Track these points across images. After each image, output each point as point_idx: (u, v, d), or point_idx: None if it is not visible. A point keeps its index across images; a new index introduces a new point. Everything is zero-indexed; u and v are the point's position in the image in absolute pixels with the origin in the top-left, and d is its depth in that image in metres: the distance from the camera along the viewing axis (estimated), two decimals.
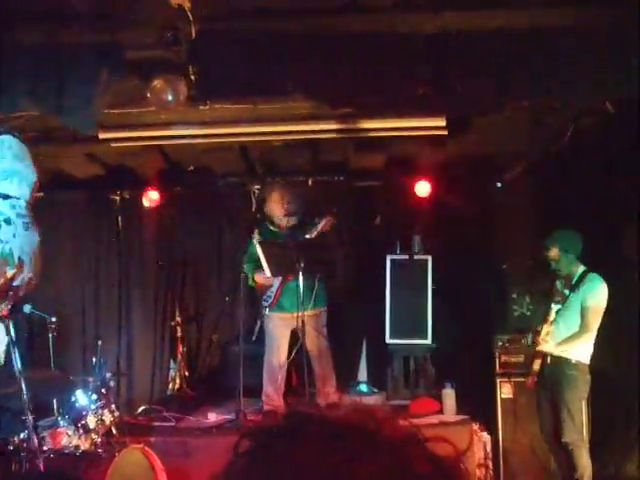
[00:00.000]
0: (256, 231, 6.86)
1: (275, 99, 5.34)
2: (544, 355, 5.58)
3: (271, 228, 6.80)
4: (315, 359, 6.73)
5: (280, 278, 6.70)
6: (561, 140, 6.17)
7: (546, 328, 5.50)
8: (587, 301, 5.51)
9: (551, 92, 4.91)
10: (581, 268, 5.64)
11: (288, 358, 6.86)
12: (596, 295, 5.51)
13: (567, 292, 5.63)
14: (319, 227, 6.55)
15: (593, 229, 5.97)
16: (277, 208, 6.79)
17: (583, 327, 5.52)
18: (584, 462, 5.40)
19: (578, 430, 5.43)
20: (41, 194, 7.97)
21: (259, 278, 6.79)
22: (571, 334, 5.56)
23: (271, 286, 6.77)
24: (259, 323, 7.04)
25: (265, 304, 6.82)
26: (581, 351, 5.52)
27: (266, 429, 0.90)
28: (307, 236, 6.55)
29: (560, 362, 5.54)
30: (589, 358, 5.52)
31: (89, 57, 4.64)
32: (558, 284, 5.75)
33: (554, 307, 5.47)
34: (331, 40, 4.62)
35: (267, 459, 0.85)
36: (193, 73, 4.77)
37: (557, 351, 5.56)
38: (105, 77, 4.61)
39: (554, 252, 5.66)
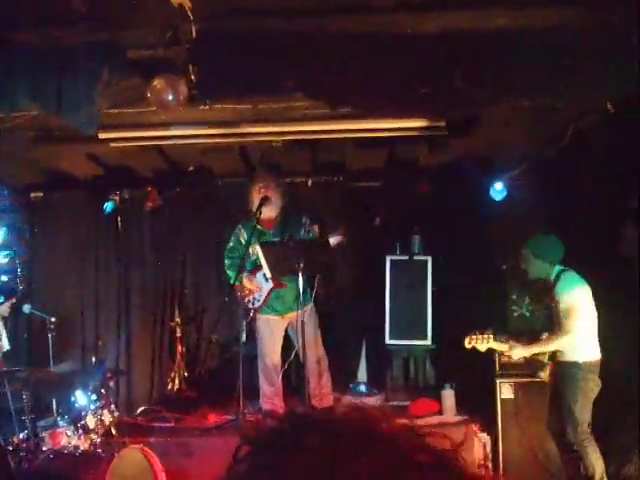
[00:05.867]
0: (239, 226, 6.86)
1: (275, 99, 5.32)
2: (554, 362, 5.60)
3: (258, 227, 6.64)
4: (313, 357, 6.64)
5: (270, 284, 6.67)
6: (562, 140, 6.17)
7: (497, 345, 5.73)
8: (561, 303, 5.49)
9: (552, 92, 4.90)
10: (556, 270, 5.60)
11: (288, 359, 6.85)
12: (569, 295, 5.46)
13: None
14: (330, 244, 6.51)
15: (594, 229, 5.97)
16: (255, 197, 6.67)
17: (560, 329, 5.49)
18: (592, 461, 5.35)
19: (582, 430, 5.38)
20: (41, 194, 8.05)
21: (248, 284, 6.72)
22: (546, 336, 5.61)
23: (257, 291, 6.73)
24: (244, 325, 6.98)
25: (251, 306, 6.79)
26: (585, 351, 5.46)
27: (264, 434, 0.89)
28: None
29: (566, 364, 5.51)
30: (597, 356, 5.47)
31: (89, 56, 4.62)
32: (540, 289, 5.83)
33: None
34: (332, 40, 4.60)
35: (266, 465, 0.85)
36: (193, 73, 4.75)
37: (530, 353, 5.66)
38: (105, 77, 4.60)
39: (523, 254, 5.73)
